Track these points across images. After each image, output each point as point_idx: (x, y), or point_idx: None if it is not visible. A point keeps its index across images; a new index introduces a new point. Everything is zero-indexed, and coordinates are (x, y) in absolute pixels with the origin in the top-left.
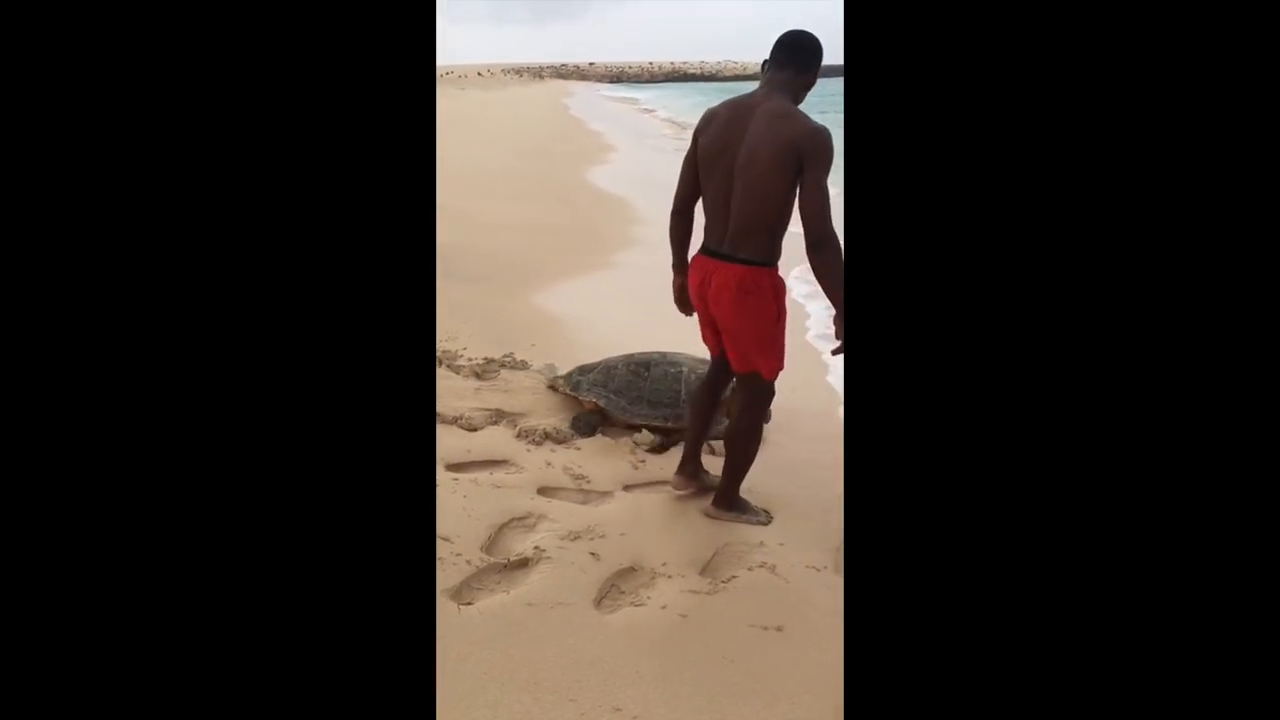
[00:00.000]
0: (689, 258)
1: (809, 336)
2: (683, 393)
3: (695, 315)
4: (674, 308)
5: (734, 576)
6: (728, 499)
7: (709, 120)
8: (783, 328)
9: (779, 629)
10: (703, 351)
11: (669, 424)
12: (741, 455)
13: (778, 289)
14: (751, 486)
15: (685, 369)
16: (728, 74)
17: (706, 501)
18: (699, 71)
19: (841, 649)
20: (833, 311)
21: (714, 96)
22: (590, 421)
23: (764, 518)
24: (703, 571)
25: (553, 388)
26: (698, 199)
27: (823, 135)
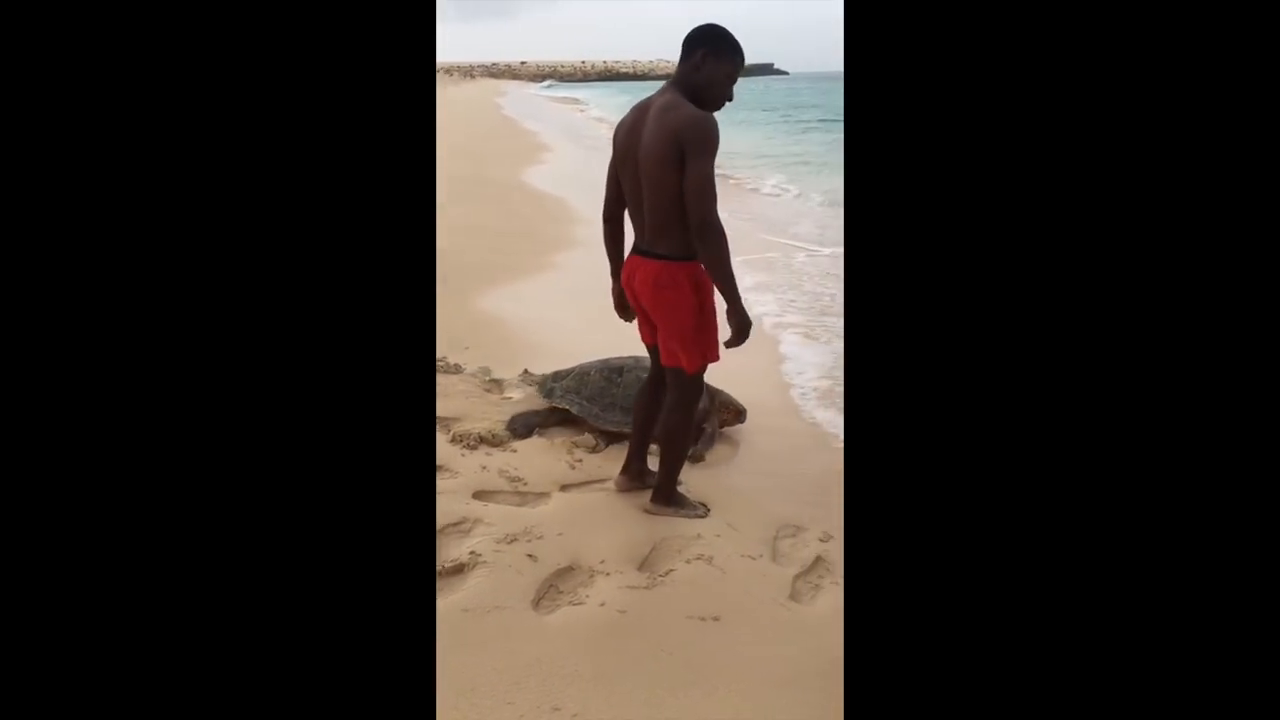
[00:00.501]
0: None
1: (765, 327)
2: None
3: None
4: (614, 309)
5: (671, 570)
6: (664, 494)
7: (619, 126)
8: (708, 320)
9: (716, 619)
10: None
11: None
12: (675, 450)
13: (697, 282)
14: (689, 478)
15: None
16: (659, 73)
17: (646, 498)
18: (631, 71)
19: (777, 635)
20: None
21: (643, 96)
22: (528, 422)
23: (701, 511)
24: (641, 567)
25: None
26: (624, 204)
27: (702, 122)
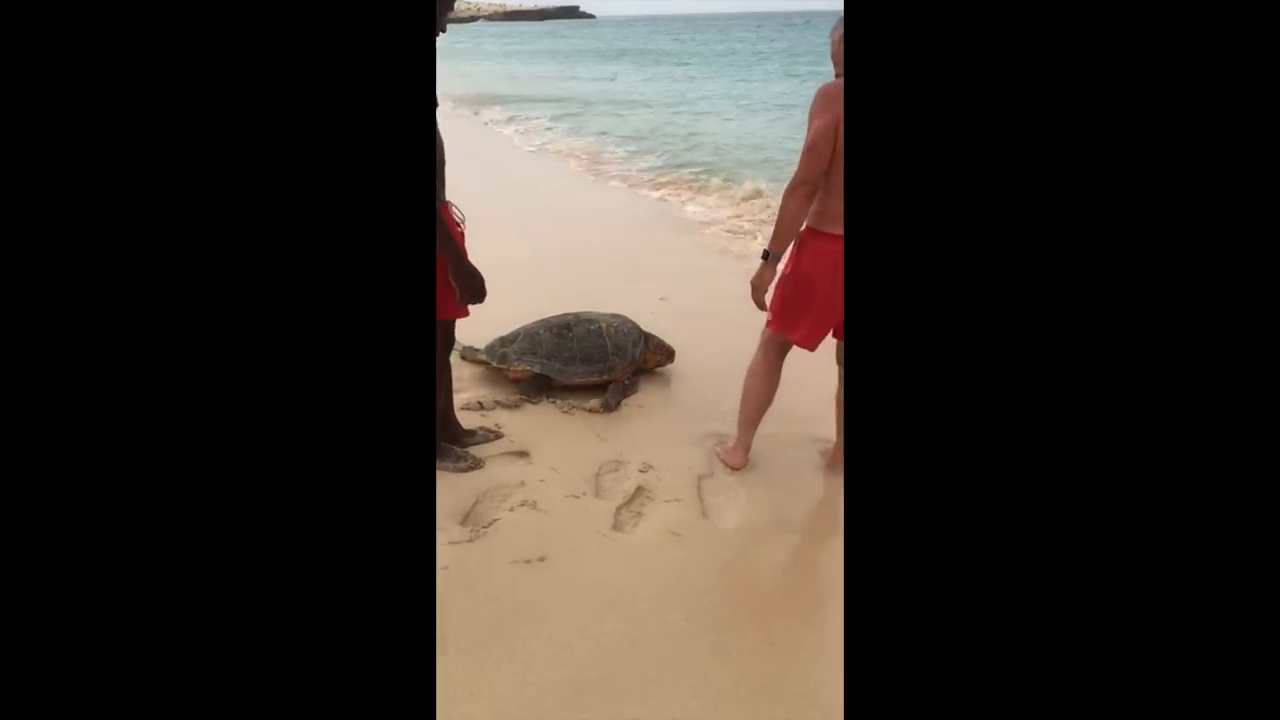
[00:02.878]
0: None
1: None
2: (608, 345)
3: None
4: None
5: (495, 520)
6: None
7: None
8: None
9: (541, 559)
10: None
11: (605, 378)
12: None
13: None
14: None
15: (603, 324)
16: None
17: (464, 453)
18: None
19: (600, 565)
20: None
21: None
22: (538, 385)
23: (466, 463)
24: (464, 521)
25: (470, 360)
26: None
27: None
